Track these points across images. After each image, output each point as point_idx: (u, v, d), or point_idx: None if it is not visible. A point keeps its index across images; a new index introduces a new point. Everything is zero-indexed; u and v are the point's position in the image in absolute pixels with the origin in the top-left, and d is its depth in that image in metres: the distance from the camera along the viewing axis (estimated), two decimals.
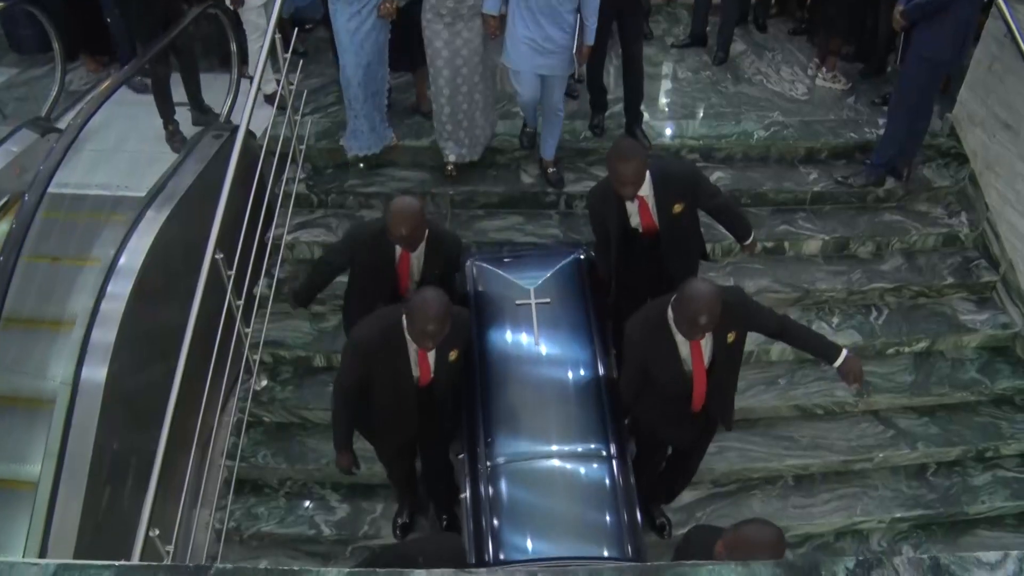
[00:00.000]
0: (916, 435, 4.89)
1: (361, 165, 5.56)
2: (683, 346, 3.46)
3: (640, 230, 4.06)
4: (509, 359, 4.11)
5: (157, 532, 3.39)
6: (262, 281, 5.07)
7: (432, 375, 3.63)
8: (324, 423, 4.87)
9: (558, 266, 4.48)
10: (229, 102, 5.58)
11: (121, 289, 4.19)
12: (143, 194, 4.62)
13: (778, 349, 5.06)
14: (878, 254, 5.49)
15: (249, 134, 4.79)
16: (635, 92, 5.57)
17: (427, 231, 3.81)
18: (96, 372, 3.99)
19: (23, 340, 4.30)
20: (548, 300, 4.24)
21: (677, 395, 3.61)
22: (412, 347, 3.51)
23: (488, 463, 3.76)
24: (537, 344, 4.12)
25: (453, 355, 3.63)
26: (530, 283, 4.33)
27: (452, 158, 5.44)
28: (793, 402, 4.95)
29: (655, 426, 3.90)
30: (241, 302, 4.39)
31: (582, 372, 4.10)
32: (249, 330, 4.68)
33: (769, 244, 5.40)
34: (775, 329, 3.72)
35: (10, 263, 3.82)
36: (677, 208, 3.99)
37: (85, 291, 4.16)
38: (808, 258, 5.47)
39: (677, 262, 4.13)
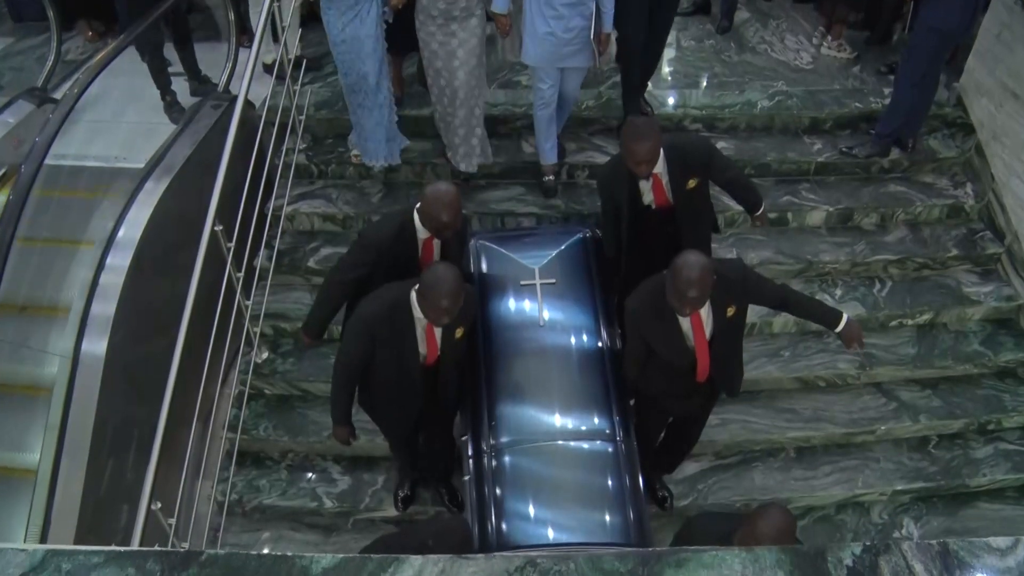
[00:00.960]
0: (918, 408, 4.87)
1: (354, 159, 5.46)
2: (683, 320, 3.44)
3: (653, 207, 4.02)
4: (513, 340, 4.08)
5: (159, 506, 3.40)
6: (262, 253, 5.06)
7: (438, 352, 3.60)
8: (325, 395, 4.85)
9: (563, 245, 4.43)
10: (227, 72, 5.50)
11: (120, 262, 4.16)
12: (141, 165, 4.57)
13: (781, 321, 5.04)
14: (882, 225, 5.45)
15: (248, 104, 4.73)
16: (647, 71, 5.47)
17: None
18: (96, 345, 3.97)
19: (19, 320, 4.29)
20: (553, 280, 4.20)
21: (680, 368, 3.60)
22: (420, 324, 3.48)
23: (492, 445, 3.75)
24: (542, 325, 4.08)
25: (459, 332, 3.60)
26: (535, 262, 4.29)
27: (463, 167, 5.30)
28: (795, 374, 4.94)
29: (658, 398, 3.89)
30: (241, 274, 4.37)
31: (587, 353, 4.07)
32: (250, 302, 4.66)
33: (772, 215, 5.34)
34: (776, 301, 3.71)
35: (8, 235, 3.79)
36: (691, 183, 3.96)
37: (84, 264, 4.13)
38: (811, 229, 5.43)
39: (692, 236, 4.10)
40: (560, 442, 3.78)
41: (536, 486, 3.69)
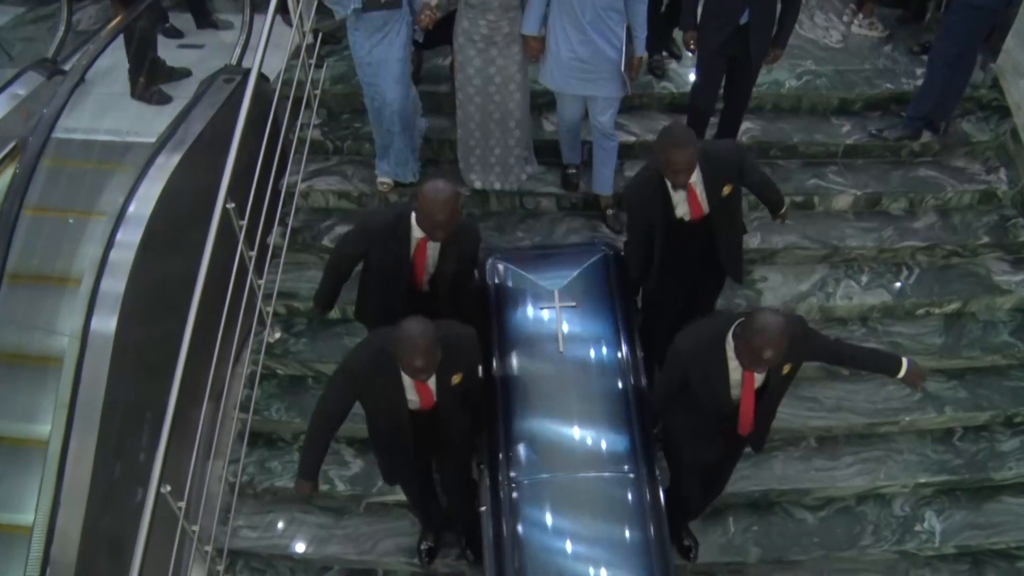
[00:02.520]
0: (944, 399, 4.75)
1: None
2: (735, 371, 3.29)
3: (687, 219, 3.84)
4: (531, 367, 3.91)
5: (169, 488, 3.35)
6: (275, 230, 4.97)
7: (435, 399, 3.43)
8: None
9: (584, 265, 4.22)
10: (241, 44, 5.39)
11: (130, 238, 4.11)
12: (153, 140, 4.50)
13: (805, 307, 4.92)
14: (911, 211, 5.29)
15: (262, 78, 4.63)
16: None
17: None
18: (106, 324, 3.93)
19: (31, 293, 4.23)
20: (574, 303, 4.02)
21: (715, 415, 3.45)
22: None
23: (509, 477, 3.60)
24: (561, 351, 3.89)
25: (456, 379, 3.41)
26: (554, 284, 4.10)
27: (478, 184, 5.13)
28: (818, 362, 4.81)
29: (681, 440, 3.73)
30: (254, 252, 4.29)
31: (610, 382, 3.89)
32: (262, 281, 4.58)
33: (798, 199, 5.22)
34: (832, 356, 3.59)
35: (15, 208, 3.73)
36: (726, 190, 3.77)
37: (93, 240, 4.06)
38: (838, 214, 5.28)
39: (726, 246, 3.95)
40: (580, 475, 3.61)
41: (555, 522, 3.51)
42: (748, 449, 4.60)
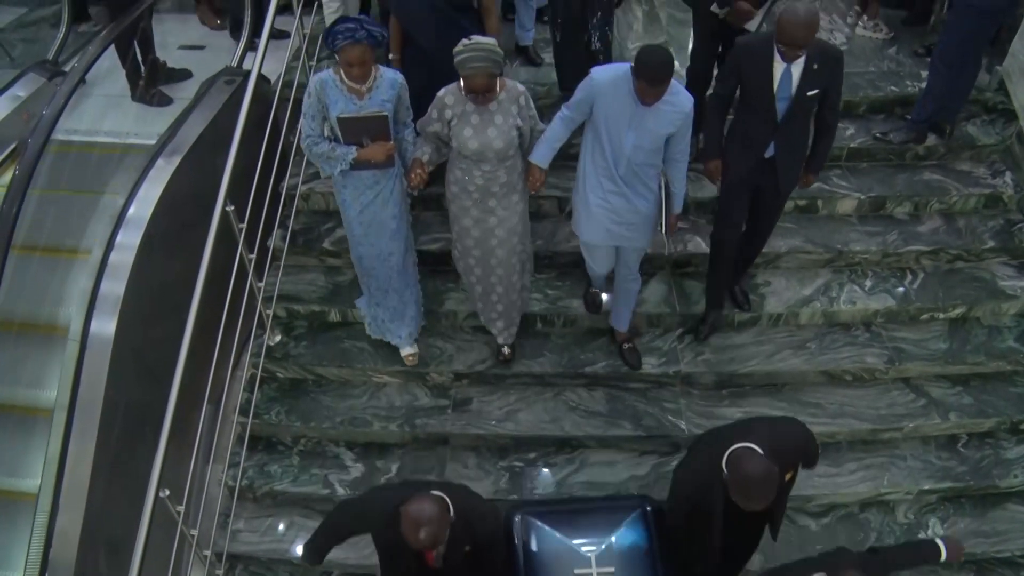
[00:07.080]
0: (948, 405, 4.71)
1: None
2: None
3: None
4: None
5: (167, 493, 3.33)
6: (276, 233, 4.95)
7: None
8: (339, 380, 4.79)
9: (622, 524, 3.93)
10: (242, 45, 5.37)
11: (131, 240, 4.10)
12: (153, 141, 4.48)
13: (808, 312, 4.89)
14: (915, 215, 5.25)
15: (262, 79, 4.61)
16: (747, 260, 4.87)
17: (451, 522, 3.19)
18: (105, 325, 3.92)
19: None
20: (612, 569, 3.75)
21: None
22: None
23: None
24: None
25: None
26: (590, 546, 3.81)
27: (501, 340, 4.75)
28: (821, 367, 4.78)
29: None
30: (254, 255, 4.27)
31: None
32: (262, 284, 4.57)
33: (802, 202, 5.19)
34: (869, 570, 3.35)
35: (13, 210, 3.72)
36: (788, 476, 3.49)
37: (94, 241, 4.05)
38: (842, 217, 5.25)
39: (778, 519, 3.72)
40: None
41: None
42: None
